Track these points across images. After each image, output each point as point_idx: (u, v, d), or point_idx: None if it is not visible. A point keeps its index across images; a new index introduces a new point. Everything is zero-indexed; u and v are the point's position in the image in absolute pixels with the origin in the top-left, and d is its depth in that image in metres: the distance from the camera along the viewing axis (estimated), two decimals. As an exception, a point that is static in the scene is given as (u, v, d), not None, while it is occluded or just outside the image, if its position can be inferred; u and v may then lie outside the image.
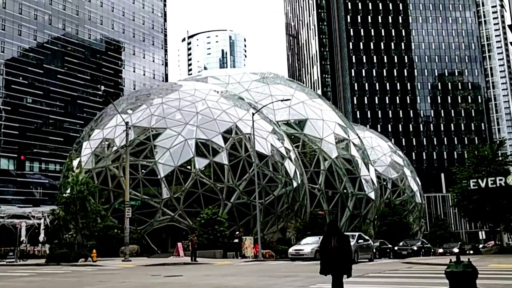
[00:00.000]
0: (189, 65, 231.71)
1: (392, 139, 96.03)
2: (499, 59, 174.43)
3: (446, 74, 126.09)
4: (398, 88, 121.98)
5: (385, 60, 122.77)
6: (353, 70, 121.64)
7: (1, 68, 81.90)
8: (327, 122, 50.22)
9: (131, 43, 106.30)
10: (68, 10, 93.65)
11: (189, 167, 40.72)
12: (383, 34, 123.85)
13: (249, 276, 16.91)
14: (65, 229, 37.17)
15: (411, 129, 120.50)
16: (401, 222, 48.11)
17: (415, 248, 37.21)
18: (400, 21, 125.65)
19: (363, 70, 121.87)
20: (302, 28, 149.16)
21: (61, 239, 38.98)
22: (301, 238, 38.00)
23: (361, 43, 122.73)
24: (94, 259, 28.44)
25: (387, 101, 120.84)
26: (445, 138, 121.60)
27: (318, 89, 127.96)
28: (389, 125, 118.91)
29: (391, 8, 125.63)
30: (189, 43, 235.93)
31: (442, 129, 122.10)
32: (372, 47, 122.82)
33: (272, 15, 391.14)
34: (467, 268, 8.50)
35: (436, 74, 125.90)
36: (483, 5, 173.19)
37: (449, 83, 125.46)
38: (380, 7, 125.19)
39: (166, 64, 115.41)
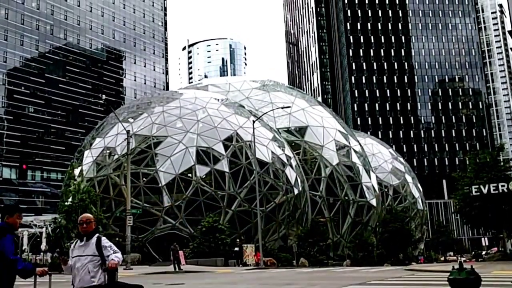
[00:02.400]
0: (190, 73, 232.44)
1: (393, 146, 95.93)
2: (499, 65, 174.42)
3: (447, 80, 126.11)
4: (399, 94, 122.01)
5: (385, 67, 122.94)
6: (353, 77, 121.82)
7: (3, 77, 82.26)
8: (327, 129, 50.27)
9: (132, 52, 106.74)
10: (70, 20, 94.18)
11: (190, 175, 40.73)
12: (383, 41, 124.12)
13: (251, 284, 16.86)
14: (66, 238, 37.05)
15: (412, 136, 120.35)
16: (403, 229, 47.91)
17: None
18: (400, 28, 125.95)
19: (363, 77, 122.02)
20: (302, 36, 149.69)
21: (63, 247, 38.86)
22: (303, 245, 37.82)
23: (361, 50, 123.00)
24: (96, 267, 28.22)
25: (388, 108, 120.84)
26: (446, 144, 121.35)
27: (319, 96, 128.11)
28: (390, 132, 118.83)
29: (390, 15, 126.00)
30: (189, 52, 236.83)
31: (443, 135, 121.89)
32: (372, 54, 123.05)
33: (272, 23, 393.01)
34: (470, 275, 8.44)
35: (437, 81, 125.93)
36: (483, 11, 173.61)
37: (450, 89, 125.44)
38: (380, 14, 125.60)
39: (167, 73, 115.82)
